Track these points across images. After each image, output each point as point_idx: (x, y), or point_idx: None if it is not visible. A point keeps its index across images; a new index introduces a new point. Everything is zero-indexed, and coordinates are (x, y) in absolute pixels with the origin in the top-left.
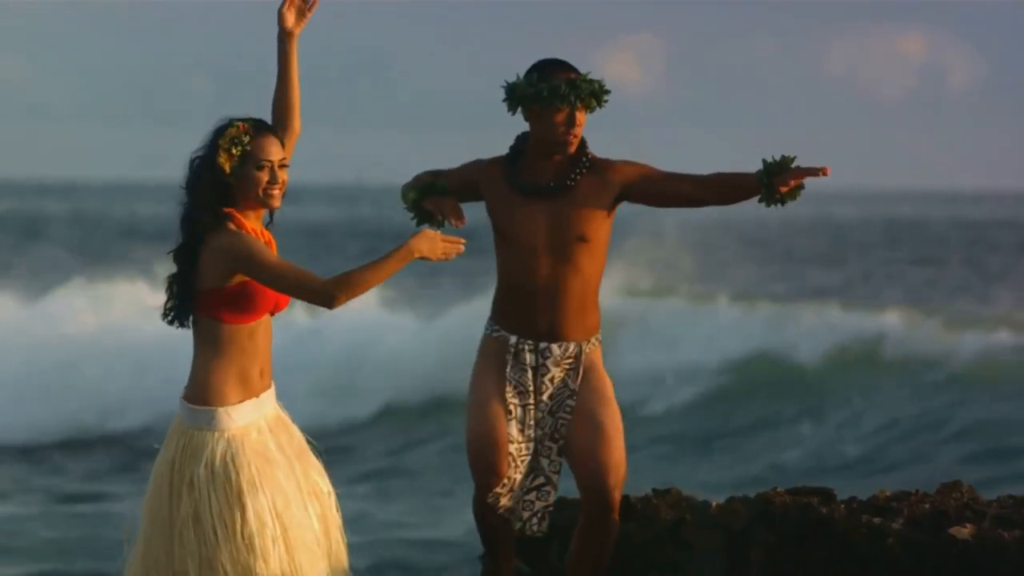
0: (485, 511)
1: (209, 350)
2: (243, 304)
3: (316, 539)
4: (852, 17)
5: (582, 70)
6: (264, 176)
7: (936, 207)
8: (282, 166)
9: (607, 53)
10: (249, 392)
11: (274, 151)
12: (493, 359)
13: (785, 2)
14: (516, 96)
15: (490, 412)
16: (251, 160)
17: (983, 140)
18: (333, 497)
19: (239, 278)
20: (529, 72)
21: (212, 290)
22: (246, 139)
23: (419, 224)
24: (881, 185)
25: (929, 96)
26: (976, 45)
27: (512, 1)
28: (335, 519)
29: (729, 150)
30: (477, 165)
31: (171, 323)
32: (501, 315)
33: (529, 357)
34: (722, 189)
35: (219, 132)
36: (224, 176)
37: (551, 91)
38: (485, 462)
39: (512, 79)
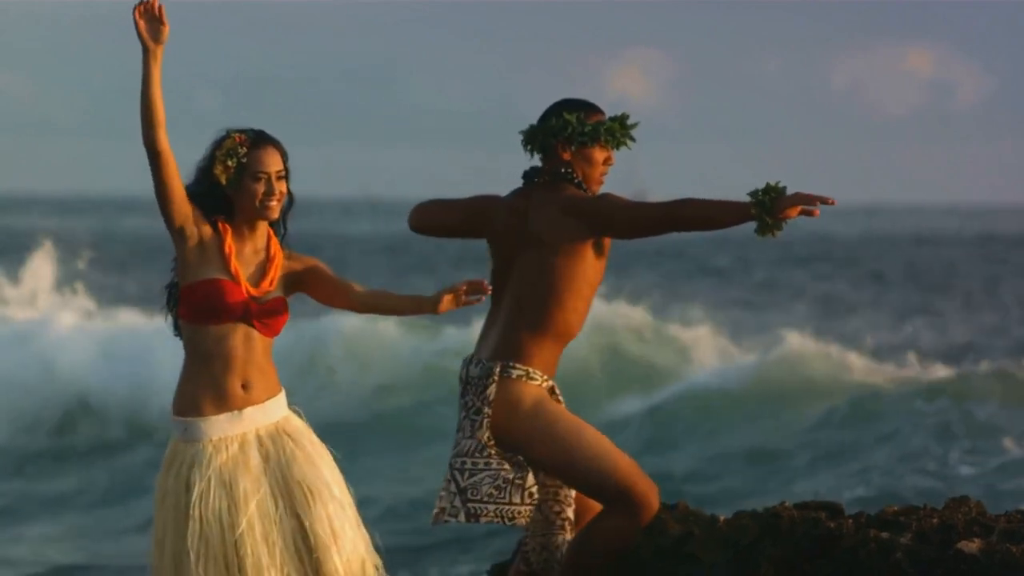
0: (638, 533)
1: (186, 357)
2: (197, 301)
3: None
4: (858, 33)
5: (587, 84)
6: (260, 187)
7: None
8: (280, 177)
9: (613, 67)
10: (227, 405)
11: (271, 162)
12: (554, 402)
13: (791, 17)
14: (570, 133)
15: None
16: (247, 172)
17: (991, 155)
18: (329, 521)
19: (188, 276)
20: (569, 110)
21: (181, 289)
22: (242, 151)
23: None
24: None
25: (936, 111)
26: (983, 60)
27: (518, 12)
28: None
29: (734, 164)
30: None
31: (177, 335)
32: (543, 363)
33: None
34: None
35: (216, 144)
36: (221, 187)
37: (607, 131)
38: (653, 487)
39: (514, 97)
